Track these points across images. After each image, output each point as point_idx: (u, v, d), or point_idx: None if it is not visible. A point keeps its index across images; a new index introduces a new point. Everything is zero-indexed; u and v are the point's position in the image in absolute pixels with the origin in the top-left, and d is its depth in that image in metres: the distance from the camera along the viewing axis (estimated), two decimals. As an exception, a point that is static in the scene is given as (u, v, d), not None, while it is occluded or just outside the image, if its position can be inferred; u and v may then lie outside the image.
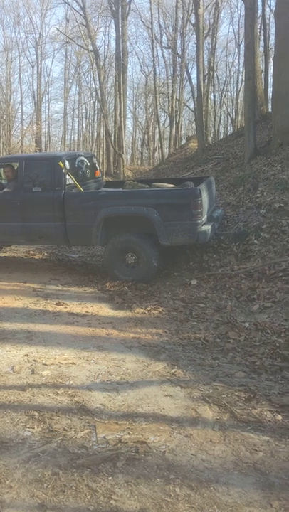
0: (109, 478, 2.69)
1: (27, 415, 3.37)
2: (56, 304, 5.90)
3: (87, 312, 5.63)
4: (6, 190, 7.41)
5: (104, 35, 39.74)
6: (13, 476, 2.73)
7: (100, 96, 26.58)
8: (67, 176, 6.96)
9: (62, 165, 6.89)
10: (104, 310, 5.73)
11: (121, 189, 7.74)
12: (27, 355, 4.44)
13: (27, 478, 2.71)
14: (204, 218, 6.53)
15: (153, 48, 24.81)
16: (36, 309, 5.76)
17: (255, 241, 6.84)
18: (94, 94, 30.01)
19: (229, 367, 4.10)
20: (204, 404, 3.49)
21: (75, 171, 7.33)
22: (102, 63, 27.42)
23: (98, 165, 8.81)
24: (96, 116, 34.14)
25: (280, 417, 3.28)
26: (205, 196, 6.59)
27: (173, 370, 4.06)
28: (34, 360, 4.31)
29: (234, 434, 3.10)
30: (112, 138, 26.21)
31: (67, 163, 7.09)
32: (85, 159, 7.89)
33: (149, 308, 5.68)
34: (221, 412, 3.37)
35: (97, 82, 26.57)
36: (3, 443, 3.04)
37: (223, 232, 7.44)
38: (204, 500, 2.51)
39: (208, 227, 6.50)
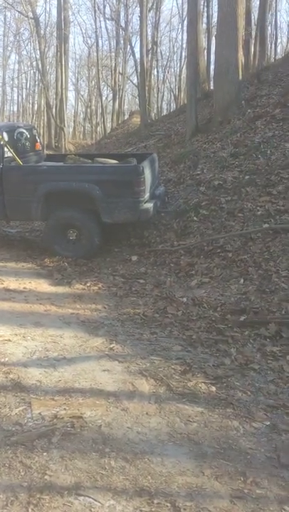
0: (44, 454, 2.67)
1: None
2: (-8, 280, 5.72)
3: (24, 288, 5.50)
4: None
5: (46, 2, 38.13)
6: None
7: (40, 66, 25.63)
8: (5, 149, 6.68)
9: (0, 137, 6.60)
10: (42, 286, 5.62)
11: (62, 163, 7.53)
12: None
13: None
14: (147, 196, 6.51)
15: (96, 18, 24.24)
16: (-29, 286, 5.56)
17: (195, 218, 6.92)
18: (34, 64, 28.89)
19: (167, 341, 4.17)
20: (141, 377, 3.52)
21: (14, 143, 7.04)
22: (42, 32, 26.38)
23: (39, 137, 8.51)
24: (37, 87, 32.96)
25: (214, 389, 3.38)
26: (148, 173, 6.55)
27: (111, 345, 4.06)
28: None
29: (169, 407, 3.16)
30: (54, 110, 25.44)
31: (5, 134, 6.80)
32: (24, 131, 7.60)
33: (88, 284, 5.63)
34: (158, 385, 3.42)
35: (38, 52, 25.62)
36: None
37: (164, 210, 7.46)
38: (139, 472, 2.55)
39: (150, 205, 6.48)
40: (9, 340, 4.14)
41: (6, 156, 6.72)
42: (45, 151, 9.84)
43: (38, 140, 8.32)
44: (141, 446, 2.76)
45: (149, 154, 7.90)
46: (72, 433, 2.84)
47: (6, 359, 3.79)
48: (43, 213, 6.63)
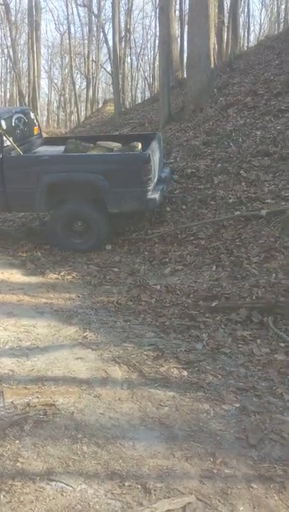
0: (16, 441, 2.68)
1: None
2: None
3: (-3, 279, 5.47)
4: None
5: (16, -13, 37.30)
6: None
7: (11, 54, 25.17)
8: (3, 138, 6.37)
9: None
10: (15, 276, 5.59)
11: (63, 151, 7.09)
12: None
13: None
14: (154, 183, 6.32)
15: (68, 4, 23.85)
16: None
17: (168, 207, 6.94)
18: (5, 51, 28.32)
19: (140, 328, 4.20)
20: (114, 364, 3.56)
21: (12, 130, 6.70)
22: (13, 18, 25.84)
23: (37, 121, 8.02)
24: (9, 75, 32.30)
25: (185, 373, 3.43)
26: (155, 158, 6.32)
27: (85, 334, 4.08)
28: None
29: (142, 392, 3.20)
30: (26, 99, 25.01)
31: (3, 122, 6.46)
32: (22, 116, 7.21)
33: (62, 274, 5.62)
34: (130, 371, 3.46)
35: (9, 39, 25.14)
36: None
37: (174, 195, 7.17)
38: (110, 456, 2.59)
39: (157, 193, 6.28)
40: (-19, 330, 4.12)
41: (5, 145, 6.41)
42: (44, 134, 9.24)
43: (37, 124, 7.90)
44: (113, 431, 2.80)
45: (153, 134, 7.44)
46: (45, 420, 2.86)
47: (-22, 350, 3.77)
48: (47, 205, 6.41)
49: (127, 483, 2.40)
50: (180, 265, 5.62)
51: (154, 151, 6.41)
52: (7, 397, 3.11)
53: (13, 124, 6.85)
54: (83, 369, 3.50)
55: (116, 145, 6.98)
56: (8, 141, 6.45)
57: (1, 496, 2.29)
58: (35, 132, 7.71)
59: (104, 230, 6.40)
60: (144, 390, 3.23)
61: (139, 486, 2.38)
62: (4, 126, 6.47)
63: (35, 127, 7.72)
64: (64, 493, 2.33)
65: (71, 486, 2.37)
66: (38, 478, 2.41)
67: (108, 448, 2.65)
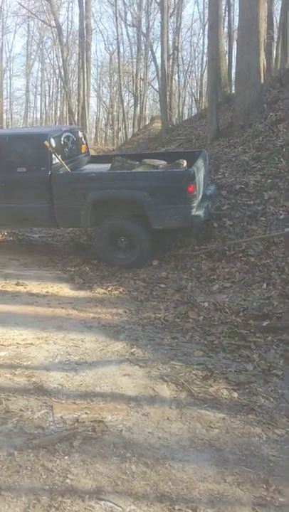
0: (66, 457, 2.68)
1: (-18, 397, 3.31)
2: (15, 284, 5.78)
3: (47, 292, 5.55)
4: None
5: (68, 10, 38.97)
6: None
7: (63, 73, 25.92)
8: (53, 156, 6.58)
9: (48, 144, 6.51)
10: (64, 290, 5.66)
11: (110, 168, 7.18)
12: (-17, 336, 4.34)
13: (-19, 460, 2.66)
14: (198, 200, 6.30)
15: (117, 25, 24.39)
16: (-6, 290, 5.64)
17: (215, 223, 6.87)
18: (57, 71, 29.29)
19: (188, 346, 4.14)
20: (162, 382, 3.51)
21: (61, 148, 6.92)
22: (65, 40, 26.68)
23: (85, 139, 8.28)
24: (59, 94, 33.39)
25: (236, 395, 3.34)
26: (200, 176, 6.34)
27: (132, 350, 4.06)
28: (-9, 342, 4.22)
29: (191, 412, 3.14)
30: (76, 117, 25.67)
31: (53, 140, 6.68)
32: (71, 135, 7.43)
33: (109, 289, 5.65)
34: (179, 390, 3.41)
35: (60, 59, 25.90)
36: None
37: (220, 212, 7.15)
38: (159, 477, 2.54)
39: (202, 210, 6.26)
40: (32, 343, 4.18)
41: (54, 162, 6.61)
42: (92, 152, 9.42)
43: (84, 142, 8.13)
44: (162, 452, 2.75)
45: (199, 152, 7.43)
46: (94, 437, 2.85)
47: (29, 362, 3.82)
48: (92, 220, 6.52)
49: (177, 507, 2.33)
50: (228, 282, 5.53)
51: (199, 169, 6.40)
52: (56, 411, 3.12)
53: (62, 143, 7.04)
54: (131, 386, 3.47)
55: (161, 163, 7.03)
56: (56, 159, 6.62)
57: (51, 513, 2.28)
58: (83, 150, 7.90)
59: (148, 246, 6.41)
60: (193, 410, 3.16)
61: (190, 511, 2.31)
62: (54, 145, 6.65)
63: (83, 145, 7.92)
64: (113, 514, 2.30)
65: (120, 507, 2.33)
66: (87, 496, 2.38)
67: (157, 469, 2.60)
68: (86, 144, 8.19)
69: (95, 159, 8.38)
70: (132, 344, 4.17)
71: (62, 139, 7.07)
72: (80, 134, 7.96)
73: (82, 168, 7.45)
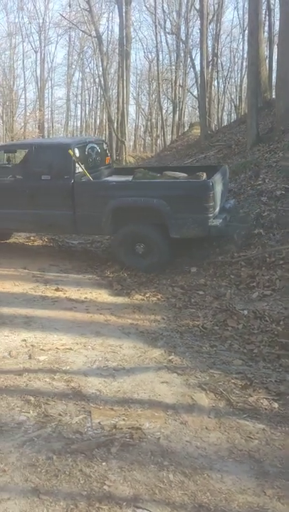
0: (103, 463, 2.68)
1: (23, 400, 3.37)
2: (55, 290, 5.88)
3: (85, 298, 5.61)
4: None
5: (108, 20, 39.32)
6: (8, 459, 2.72)
7: (102, 82, 26.30)
8: (76, 165, 6.81)
9: (72, 153, 6.75)
10: (102, 296, 5.71)
11: (132, 179, 7.42)
12: (25, 340, 4.42)
13: (21, 463, 2.70)
14: (216, 211, 6.37)
15: (156, 33, 24.58)
16: (35, 295, 5.74)
17: (256, 230, 6.77)
18: (97, 80, 29.75)
19: (227, 354, 4.09)
20: (200, 391, 3.47)
21: (85, 158, 7.17)
22: (105, 49, 27.07)
23: (109, 152, 8.60)
24: (99, 103, 33.89)
25: (276, 405, 3.26)
26: (218, 188, 6.41)
27: (170, 357, 4.04)
28: (32, 346, 4.29)
29: (230, 422, 3.08)
30: (115, 124, 25.97)
31: (77, 150, 6.94)
32: (95, 146, 7.70)
33: (147, 295, 5.65)
34: (217, 399, 3.36)
35: (100, 68, 26.28)
36: (-2, 427, 3.03)
37: (235, 225, 7.13)
38: (197, 487, 2.50)
39: (220, 221, 6.32)
40: (71, 348, 4.23)
41: (77, 171, 6.84)
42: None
43: (108, 154, 8.41)
44: (200, 461, 2.71)
45: (219, 166, 7.65)
46: (131, 444, 2.84)
47: (68, 367, 3.86)
48: (111, 228, 6.69)
49: (215, 519, 2.29)
50: (269, 290, 5.42)
51: (218, 181, 6.48)
52: (94, 417, 3.14)
53: (86, 153, 7.31)
54: (169, 393, 3.45)
55: (182, 175, 7.18)
56: (80, 168, 6.84)
57: (89, 519, 2.29)
58: (107, 162, 8.15)
59: (165, 253, 6.49)
60: (232, 420, 3.11)
61: (229, 523, 2.27)
62: (77, 154, 6.89)
63: (107, 157, 8.19)
64: (150, 522, 2.28)
65: (157, 516, 2.31)
66: (124, 504, 2.38)
67: (195, 478, 2.57)
68: (110, 156, 8.51)
69: (118, 171, 8.69)
70: (170, 351, 4.15)
71: (86, 149, 7.35)
72: (105, 146, 8.31)
73: (105, 179, 7.66)
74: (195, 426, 3.04)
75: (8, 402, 3.34)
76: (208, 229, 6.17)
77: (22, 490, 2.49)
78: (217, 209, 6.42)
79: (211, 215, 6.15)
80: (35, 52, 32.95)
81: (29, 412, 3.21)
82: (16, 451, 2.81)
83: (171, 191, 6.34)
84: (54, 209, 6.89)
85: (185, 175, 7.17)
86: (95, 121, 35.53)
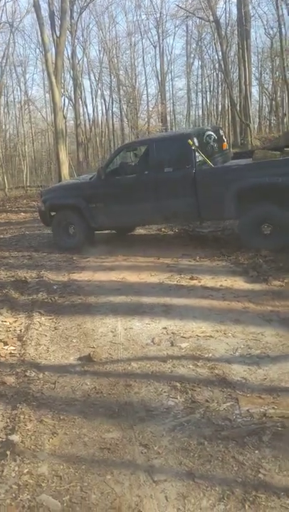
0: (256, 451, 2.64)
1: (169, 385, 3.45)
2: (190, 279, 5.93)
3: (221, 286, 5.58)
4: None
5: (225, 2, 38.30)
6: (160, 443, 2.81)
7: (223, 66, 25.77)
8: (196, 153, 6.98)
9: (191, 143, 6.94)
10: (238, 283, 5.62)
11: (252, 160, 7.46)
12: (165, 328, 4.53)
13: (174, 446, 2.77)
14: None
15: (278, 7, 23.25)
16: (171, 284, 5.85)
17: None
18: (216, 65, 29.25)
19: None
20: None
21: (203, 146, 7.32)
22: (223, 32, 26.44)
23: (225, 137, 8.69)
24: (220, 88, 33.24)
25: None
26: None
27: (317, 345, 3.84)
28: (172, 333, 4.38)
29: None
30: (238, 108, 25.34)
31: (195, 140, 7.12)
32: (212, 133, 7.83)
33: (287, 281, 5.43)
34: None
35: (220, 53, 25.76)
36: (149, 411, 3.14)
37: None
38: None
39: None
40: (211, 336, 4.23)
41: (197, 160, 7.02)
42: (232, 149, 10.06)
43: (225, 140, 8.51)
44: None
45: None
46: (284, 433, 2.75)
47: (210, 355, 3.87)
48: (236, 211, 6.76)
49: None
50: None
51: None
52: (242, 404, 3.10)
53: (204, 141, 7.47)
54: None
55: None
56: (200, 157, 6.97)
57: (246, 506, 2.26)
58: (224, 148, 8.26)
59: None
60: None
61: None
62: (197, 143, 7.05)
63: (223, 143, 8.30)
64: (312, 516, 2.18)
65: None
66: (282, 494, 2.30)
67: None
68: (227, 141, 8.61)
69: (236, 156, 8.76)
70: (316, 339, 3.95)
71: (204, 137, 7.50)
72: (221, 133, 8.43)
73: (225, 164, 7.70)
74: None
75: (156, 387, 3.45)
76: None
77: (177, 473, 2.55)
78: None
79: None
80: (154, 46, 33.42)
81: (177, 398, 3.28)
82: (167, 434, 2.88)
83: None
84: (177, 198, 7.16)
85: None
86: (217, 108, 35.01)
